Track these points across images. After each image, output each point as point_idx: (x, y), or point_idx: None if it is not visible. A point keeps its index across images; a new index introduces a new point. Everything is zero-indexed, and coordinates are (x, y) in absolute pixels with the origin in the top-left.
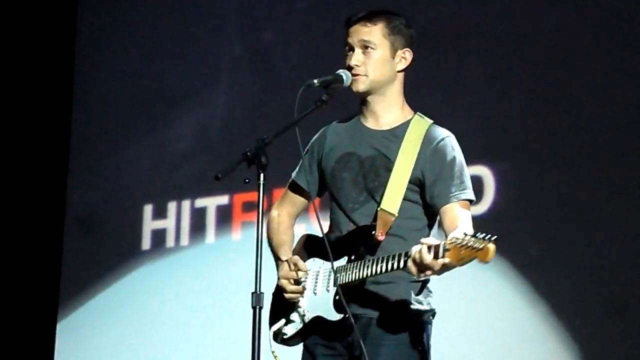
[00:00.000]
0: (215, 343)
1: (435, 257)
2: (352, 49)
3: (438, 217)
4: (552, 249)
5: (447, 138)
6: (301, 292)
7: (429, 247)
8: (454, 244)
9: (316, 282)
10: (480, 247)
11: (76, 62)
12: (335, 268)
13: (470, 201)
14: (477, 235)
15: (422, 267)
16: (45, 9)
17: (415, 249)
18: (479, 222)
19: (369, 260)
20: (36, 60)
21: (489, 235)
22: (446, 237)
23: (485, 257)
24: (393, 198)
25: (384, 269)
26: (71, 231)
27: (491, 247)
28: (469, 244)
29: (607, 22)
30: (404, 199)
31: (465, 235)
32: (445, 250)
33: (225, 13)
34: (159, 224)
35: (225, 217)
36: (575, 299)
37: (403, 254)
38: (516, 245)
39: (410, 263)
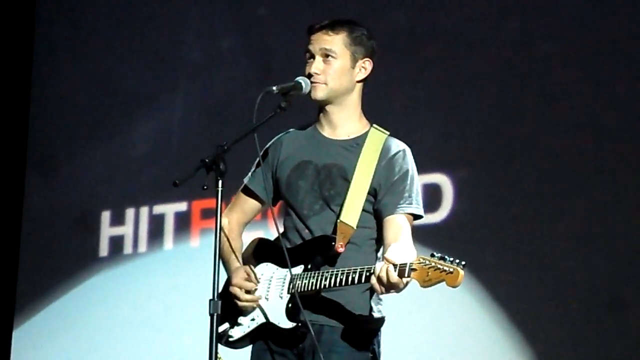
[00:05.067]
0: (172, 350)
1: (401, 276)
2: (312, 57)
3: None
4: (509, 256)
5: (403, 151)
6: (256, 301)
7: (395, 266)
8: (421, 265)
9: (269, 288)
10: (450, 270)
11: (34, 67)
12: (291, 276)
13: (416, 217)
14: (445, 258)
15: (386, 285)
16: (2, 12)
17: (379, 267)
18: (437, 230)
19: (327, 272)
20: None
21: (458, 260)
22: (384, 246)
23: (455, 281)
24: (352, 211)
25: (344, 282)
26: (28, 237)
27: (461, 271)
28: (438, 267)
29: (566, 30)
30: (362, 210)
31: (433, 256)
32: (411, 269)
33: (184, 19)
34: (117, 230)
35: (183, 223)
36: (532, 305)
37: (366, 270)
38: (473, 252)
39: (374, 280)
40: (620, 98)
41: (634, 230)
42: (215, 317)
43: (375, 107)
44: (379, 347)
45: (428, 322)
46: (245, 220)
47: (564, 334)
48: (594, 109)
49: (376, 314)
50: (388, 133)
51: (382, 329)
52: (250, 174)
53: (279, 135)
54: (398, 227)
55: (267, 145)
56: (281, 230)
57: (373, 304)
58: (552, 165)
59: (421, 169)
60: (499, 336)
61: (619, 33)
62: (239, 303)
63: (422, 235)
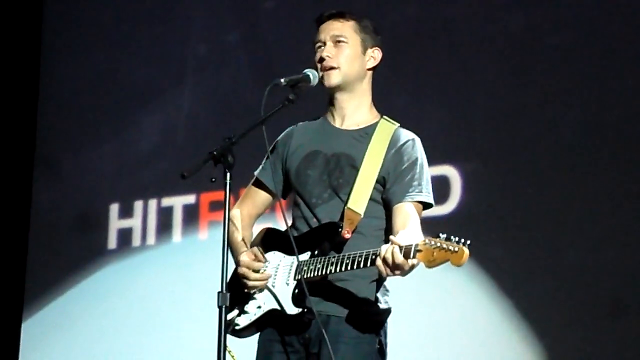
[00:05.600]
0: (181, 342)
1: (406, 257)
2: (323, 45)
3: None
4: (516, 248)
5: (412, 140)
6: (265, 280)
7: (400, 248)
8: (427, 245)
9: (276, 275)
10: (455, 249)
11: (42, 63)
12: (298, 262)
13: (426, 205)
14: (450, 238)
15: (392, 266)
16: (11, 10)
17: (385, 249)
18: (445, 222)
19: (334, 257)
20: (1, 61)
21: (463, 239)
22: (393, 234)
23: (460, 260)
24: (359, 198)
25: (349, 266)
26: (37, 230)
27: (466, 250)
28: (443, 246)
29: (573, 23)
30: (369, 199)
31: (439, 237)
32: (416, 251)
33: (190, 13)
34: (125, 223)
35: (191, 216)
36: (539, 297)
37: (372, 253)
38: (482, 244)
39: (379, 262)
40: (627, 92)
41: None
42: (223, 309)
43: (382, 100)
44: (385, 337)
45: (435, 314)
46: (255, 213)
47: (571, 325)
48: (602, 102)
49: (382, 305)
50: (398, 124)
51: (389, 320)
52: (260, 166)
53: (290, 128)
54: (406, 215)
55: (278, 138)
56: (290, 223)
57: (379, 295)
58: (559, 158)
59: (429, 161)
60: (506, 328)
61: (626, 26)
62: (248, 283)
63: (430, 227)
